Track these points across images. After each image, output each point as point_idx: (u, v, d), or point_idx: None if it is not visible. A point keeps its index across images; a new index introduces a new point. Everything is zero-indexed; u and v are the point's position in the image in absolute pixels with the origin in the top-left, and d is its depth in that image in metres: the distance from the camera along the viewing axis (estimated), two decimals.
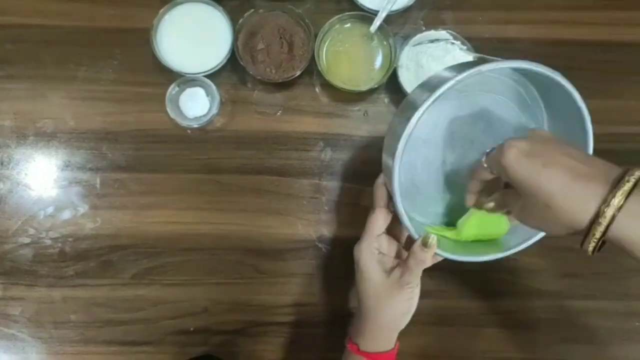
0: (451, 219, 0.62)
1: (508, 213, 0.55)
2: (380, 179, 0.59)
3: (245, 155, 0.75)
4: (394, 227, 0.60)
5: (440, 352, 0.75)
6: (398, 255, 0.60)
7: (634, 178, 0.39)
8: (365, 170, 0.75)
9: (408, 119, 0.50)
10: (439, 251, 0.54)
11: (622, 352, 0.75)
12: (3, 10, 0.74)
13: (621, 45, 0.78)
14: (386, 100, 0.76)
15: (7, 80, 0.74)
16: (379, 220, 0.58)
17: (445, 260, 0.58)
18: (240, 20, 0.71)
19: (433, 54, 0.71)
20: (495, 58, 0.53)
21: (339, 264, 0.74)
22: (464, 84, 0.51)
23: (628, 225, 0.39)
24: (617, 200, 0.39)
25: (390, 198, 0.56)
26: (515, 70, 0.57)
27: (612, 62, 0.77)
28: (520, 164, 0.44)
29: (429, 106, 0.50)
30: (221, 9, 0.72)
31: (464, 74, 0.50)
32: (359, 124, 0.76)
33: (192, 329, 0.73)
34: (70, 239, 0.73)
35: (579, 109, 0.55)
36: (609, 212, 0.39)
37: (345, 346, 0.61)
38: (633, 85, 0.77)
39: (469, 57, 0.72)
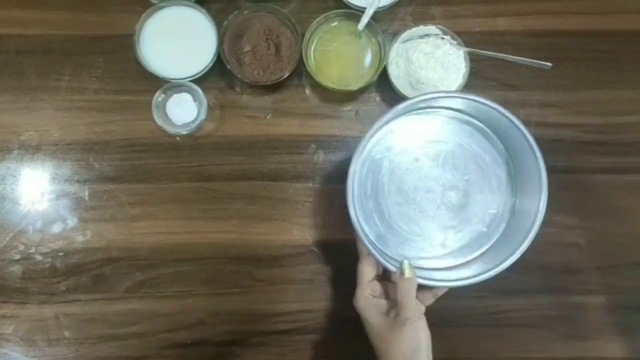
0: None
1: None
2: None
3: (236, 161, 0.73)
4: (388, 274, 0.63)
5: (441, 353, 0.73)
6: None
7: None
8: None
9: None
10: (420, 280, 0.58)
11: (625, 346, 0.74)
12: None
13: (611, 35, 0.77)
14: (377, 98, 0.75)
15: None
16: (366, 267, 0.60)
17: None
18: (225, 23, 0.70)
19: (423, 50, 0.70)
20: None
21: (337, 268, 0.73)
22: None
23: None
24: None
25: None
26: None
27: (603, 52, 0.77)
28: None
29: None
30: (205, 12, 0.70)
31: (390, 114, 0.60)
32: (351, 124, 0.74)
33: (188, 341, 0.72)
34: (60, 254, 0.72)
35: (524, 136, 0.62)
36: None
37: None
38: (625, 75, 0.76)
39: (460, 51, 0.71)
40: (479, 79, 0.74)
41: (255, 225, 0.73)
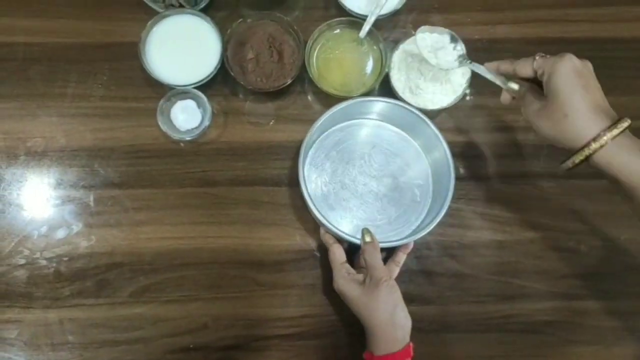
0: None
1: (513, 99, 0.64)
2: (322, 230, 0.70)
3: (239, 167, 0.74)
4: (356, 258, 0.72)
5: (443, 358, 0.74)
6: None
7: (626, 123, 0.53)
8: None
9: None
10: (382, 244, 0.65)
11: (626, 351, 0.74)
12: None
13: (609, 42, 0.78)
14: None
15: None
16: (336, 253, 0.68)
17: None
18: (229, 31, 0.71)
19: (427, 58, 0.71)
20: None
21: None
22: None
23: (612, 153, 0.53)
24: (611, 134, 0.53)
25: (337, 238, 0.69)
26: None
27: (601, 59, 0.76)
28: (568, 76, 0.55)
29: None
30: (209, 20, 0.71)
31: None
32: None
33: (191, 346, 0.72)
34: (65, 259, 0.72)
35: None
36: (604, 139, 0.53)
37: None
38: (622, 82, 0.77)
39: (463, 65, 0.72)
40: (477, 88, 0.75)
41: (258, 231, 0.73)
